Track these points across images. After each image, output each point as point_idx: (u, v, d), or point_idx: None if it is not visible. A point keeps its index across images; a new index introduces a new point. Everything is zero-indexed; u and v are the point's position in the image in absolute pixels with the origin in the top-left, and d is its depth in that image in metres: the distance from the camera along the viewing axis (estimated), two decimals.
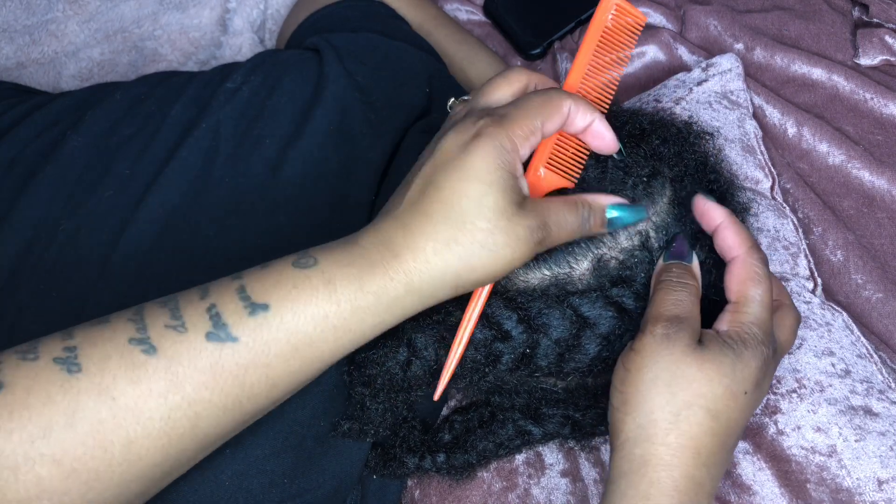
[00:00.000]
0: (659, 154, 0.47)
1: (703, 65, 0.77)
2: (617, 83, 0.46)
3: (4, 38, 0.88)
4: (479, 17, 0.95)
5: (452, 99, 0.47)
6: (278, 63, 0.65)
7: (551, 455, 0.58)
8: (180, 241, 0.53)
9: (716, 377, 0.40)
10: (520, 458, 0.57)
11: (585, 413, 0.52)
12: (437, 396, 0.46)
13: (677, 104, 0.73)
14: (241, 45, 0.89)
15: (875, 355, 0.58)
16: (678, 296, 0.43)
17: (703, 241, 0.46)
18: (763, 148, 0.73)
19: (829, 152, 0.74)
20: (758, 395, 0.43)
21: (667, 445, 0.40)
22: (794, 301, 0.60)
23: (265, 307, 0.36)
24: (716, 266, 0.47)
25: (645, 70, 0.84)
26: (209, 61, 0.90)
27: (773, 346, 0.44)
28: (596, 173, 0.46)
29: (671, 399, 0.40)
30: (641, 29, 0.46)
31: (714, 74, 0.75)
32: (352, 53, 0.65)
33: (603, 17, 0.46)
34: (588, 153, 0.45)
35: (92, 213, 0.55)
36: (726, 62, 0.76)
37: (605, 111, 0.46)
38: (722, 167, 0.52)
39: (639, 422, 0.41)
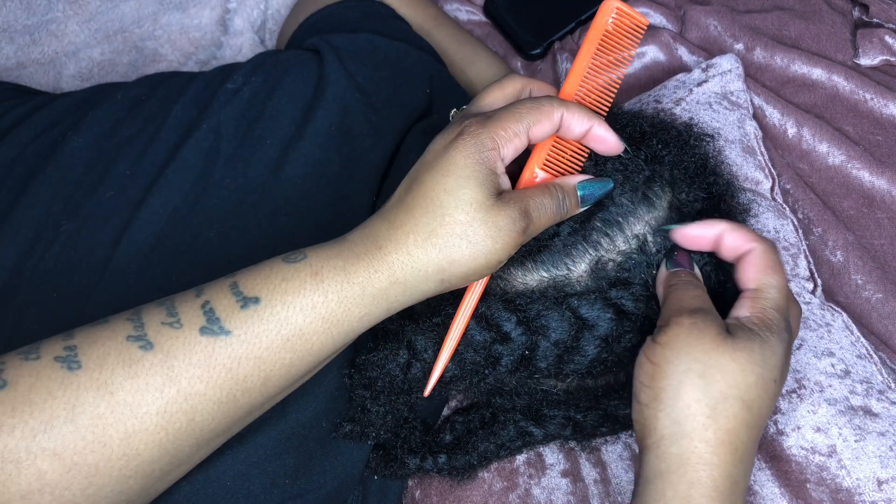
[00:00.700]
0: (659, 157, 0.47)
1: (703, 65, 0.77)
2: (619, 84, 0.46)
3: (4, 38, 0.88)
4: (479, 17, 0.94)
5: (454, 109, 0.48)
6: (279, 64, 0.65)
7: (552, 455, 0.58)
8: (181, 242, 0.53)
9: (748, 366, 0.39)
10: (520, 458, 0.57)
11: (586, 414, 0.52)
12: (426, 392, 0.46)
13: (677, 105, 0.73)
14: (241, 46, 0.89)
15: (875, 356, 0.58)
16: (695, 292, 0.43)
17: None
18: (763, 149, 0.73)
19: (829, 152, 0.74)
20: (782, 384, 0.42)
21: (706, 442, 0.39)
22: None
23: (256, 300, 0.37)
24: (714, 271, 0.47)
25: (645, 71, 0.84)
26: (209, 61, 0.90)
27: (791, 333, 0.43)
28: (595, 174, 0.46)
29: (707, 391, 0.39)
30: (643, 31, 0.46)
31: (714, 75, 0.75)
32: (352, 54, 0.65)
33: (603, 21, 0.46)
34: (587, 155, 0.46)
35: (93, 214, 0.55)
36: (726, 63, 0.76)
37: (606, 113, 0.46)
38: (722, 169, 0.52)
39: (674, 417, 0.39)
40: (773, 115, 0.77)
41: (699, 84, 0.75)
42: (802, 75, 0.79)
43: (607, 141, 0.44)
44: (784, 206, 0.70)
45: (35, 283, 0.52)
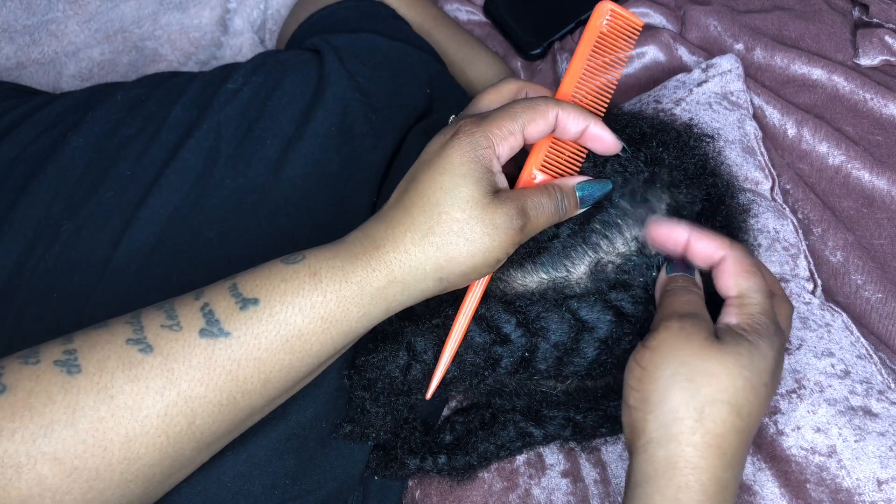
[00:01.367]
0: (658, 158, 0.47)
1: (703, 65, 0.77)
2: (615, 85, 0.47)
3: (4, 38, 0.88)
4: (479, 17, 0.94)
5: (453, 116, 0.48)
6: (279, 64, 0.65)
7: (552, 455, 0.58)
8: (181, 242, 0.53)
9: (736, 370, 0.40)
10: (520, 458, 0.58)
11: (586, 415, 0.52)
12: (428, 395, 0.46)
13: (677, 105, 0.73)
14: (241, 46, 0.89)
15: (874, 356, 0.58)
16: (688, 297, 0.43)
17: None
18: (763, 149, 0.73)
19: (829, 153, 0.74)
20: (774, 388, 0.42)
21: (693, 445, 0.39)
22: (794, 302, 0.60)
23: (255, 301, 0.37)
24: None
25: (645, 71, 0.84)
26: (209, 61, 0.90)
27: (783, 335, 0.43)
28: (594, 175, 0.46)
29: (694, 395, 0.39)
30: (639, 33, 0.46)
31: (714, 75, 0.75)
32: (352, 54, 0.65)
33: (597, 23, 0.46)
34: (585, 156, 0.46)
35: (93, 214, 0.55)
36: (726, 63, 0.76)
37: (602, 114, 0.46)
38: (722, 170, 0.52)
39: (662, 421, 0.40)
40: (773, 115, 0.77)
41: (699, 84, 0.75)
42: (802, 75, 0.79)
43: (604, 140, 0.44)
44: (784, 206, 0.70)
45: (35, 283, 0.52)
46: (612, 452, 0.58)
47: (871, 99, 0.76)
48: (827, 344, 0.58)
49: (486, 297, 0.47)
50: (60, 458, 0.33)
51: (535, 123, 0.42)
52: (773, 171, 0.72)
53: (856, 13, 0.84)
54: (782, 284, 0.62)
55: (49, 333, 0.50)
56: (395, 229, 0.39)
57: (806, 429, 0.54)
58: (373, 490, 0.54)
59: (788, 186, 0.73)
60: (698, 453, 0.39)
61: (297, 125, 0.59)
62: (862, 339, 0.59)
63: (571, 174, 0.45)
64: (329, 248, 0.40)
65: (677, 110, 0.73)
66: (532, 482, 0.57)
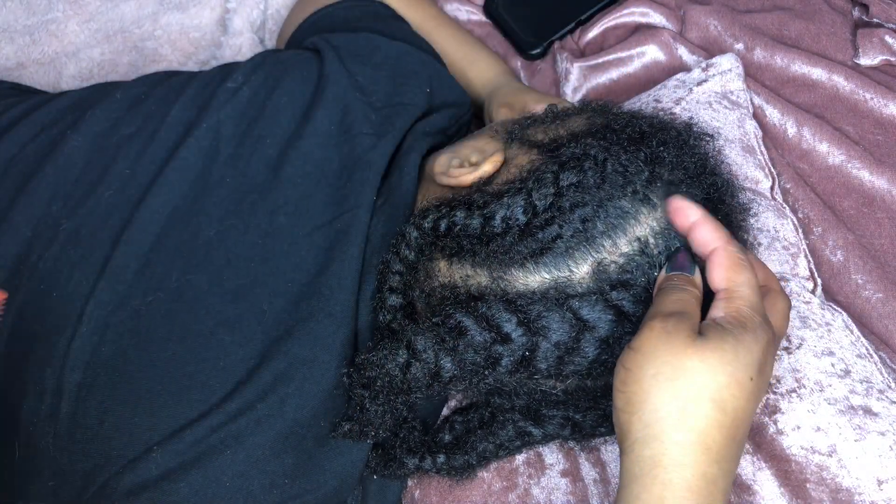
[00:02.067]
0: (658, 158, 0.47)
1: (703, 65, 0.77)
2: None
3: (5, 38, 0.88)
4: (479, 17, 0.94)
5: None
6: (279, 63, 0.65)
7: (551, 455, 0.58)
8: (180, 242, 0.53)
9: (718, 365, 0.40)
10: (520, 458, 0.57)
11: (586, 414, 0.52)
12: None
13: (677, 104, 0.73)
14: (241, 46, 0.89)
15: (875, 355, 0.58)
16: (678, 296, 0.43)
17: None
18: (763, 148, 0.73)
19: (829, 152, 0.74)
20: (762, 382, 0.42)
21: (677, 443, 0.39)
22: (794, 301, 0.60)
23: None
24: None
25: (645, 70, 0.84)
26: (209, 61, 0.90)
27: (771, 329, 0.43)
28: (595, 179, 0.46)
29: (676, 394, 0.40)
30: None
31: (714, 74, 0.75)
32: (352, 53, 0.65)
33: None
34: None
35: (92, 213, 0.55)
36: (726, 62, 0.76)
37: None
38: (721, 169, 0.52)
39: (645, 421, 0.40)
40: (773, 114, 0.77)
41: (699, 83, 0.75)
42: (802, 75, 0.79)
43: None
44: (784, 205, 0.70)
45: (34, 282, 0.52)
46: (612, 452, 0.57)
47: (871, 99, 0.76)
48: (827, 343, 0.57)
49: (486, 295, 0.47)
50: None
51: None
52: (773, 170, 0.72)
53: (856, 13, 0.84)
54: (782, 284, 0.62)
55: (49, 333, 0.50)
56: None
57: (806, 428, 0.53)
58: (372, 489, 0.54)
59: (788, 185, 0.73)
60: (681, 450, 0.39)
61: (296, 124, 0.59)
62: (862, 339, 0.59)
63: None
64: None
65: (677, 109, 0.73)
66: (531, 482, 0.57)
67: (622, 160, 0.47)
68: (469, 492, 0.56)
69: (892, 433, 0.52)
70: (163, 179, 0.55)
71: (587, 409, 0.51)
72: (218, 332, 0.49)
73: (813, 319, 0.59)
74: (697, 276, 0.45)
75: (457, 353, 0.46)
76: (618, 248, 0.45)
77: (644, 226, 0.46)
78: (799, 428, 0.54)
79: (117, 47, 0.89)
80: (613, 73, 0.84)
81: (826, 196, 0.73)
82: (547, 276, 0.46)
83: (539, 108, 0.66)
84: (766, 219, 0.67)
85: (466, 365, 0.46)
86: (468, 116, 0.72)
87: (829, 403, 0.54)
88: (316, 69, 0.63)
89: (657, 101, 0.75)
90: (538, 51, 0.89)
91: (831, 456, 0.52)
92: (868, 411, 0.53)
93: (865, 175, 0.72)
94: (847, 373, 0.56)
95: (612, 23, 0.88)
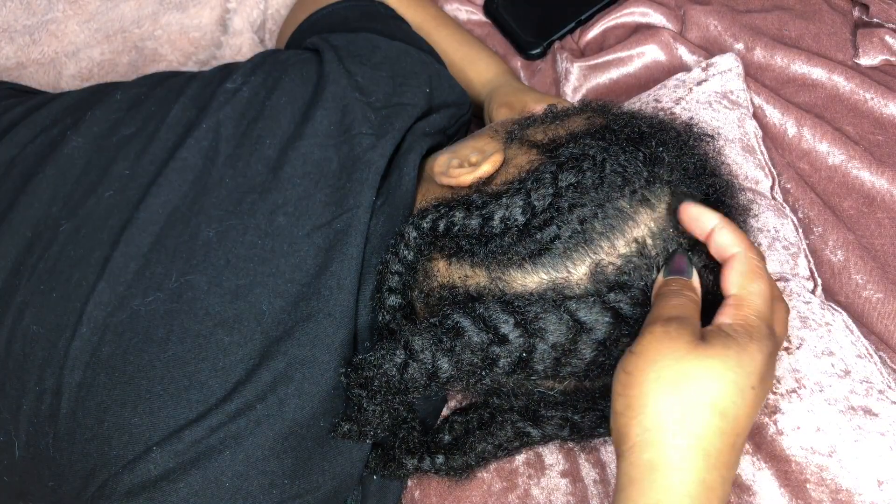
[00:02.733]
0: (658, 158, 0.47)
1: (703, 65, 0.77)
2: None
3: (4, 38, 0.88)
4: (479, 17, 0.94)
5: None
6: (278, 63, 0.65)
7: (551, 455, 0.58)
8: (180, 242, 0.53)
9: (721, 372, 0.39)
10: (520, 458, 0.57)
11: (584, 415, 0.52)
12: None
13: (677, 104, 0.73)
14: (241, 46, 0.89)
15: (875, 355, 0.58)
16: (678, 301, 0.43)
17: (700, 246, 0.46)
18: (763, 148, 0.73)
19: (829, 152, 0.74)
20: (763, 392, 0.42)
21: (676, 448, 0.39)
22: (794, 301, 0.60)
23: None
24: (713, 272, 0.47)
25: (645, 70, 0.84)
26: (209, 61, 0.90)
27: (775, 340, 0.43)
28: (594, 180, 0.46)
29: (677, 398, 0.39)
30: None
31: (714, 74, 0.75)
32: (352, 53, 0.65)
33: None
34: None
35: (92, 214, 0.55)
36: (726, 62, 0.76)
37: None
38: (721, 170, 0.51)
39: (645, 425, 0.40)
40: (774, 114, 0.77)
41: (699, 83, 0.75)
42: (802, 75, 0.79)
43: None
44: (784, 205, 0.70)
45: (34, 282, 0.52)
46: (612, 453, 0.57)
47: (872, 99, 0.76)
48: (827, 343, 0.57)
49: (484, 296, 0.47)
50: None
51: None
52: (773, 169, 0.72)
53: (856, 13, 0.84)
54: (782, 283, 0.62)
55: (48, 333, 0.50)
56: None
57: (806, 428, 0.53)
58: (372, 490, 0.54)
59: (789, 185, 0.73)
60: (680, 455, 0.39)
61: (296, 124, 0.59)
62: (862, 339, 0.59)
63: None
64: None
65: (677, 109, 0.73)
66: (531, 482, 0.56)
67: (621, 161, 0.47)
68: (469, 492, 0.56)
69: (892, 433, 0.52)
70: (162, 180, 0.55)
71: (585, 410, 0.51)
72: (217, 332, 0.49)
73: (813, 319, 0.59)
74: (695, 280, 0.45)
75: (454, 353, 0.46)
76: (616, 250, 0.45)
77: (642, 227, 0.46)
78: (799, 428, 0.54)
79: (117, 47, 0.89)
80: (613, 73, 0.84)
81: (826, 196, 0.73)
82: (545, 276, 0.46)
83: (539, 107, 0.66)
84: (766, 219, 0.67)
85: (463, 365, 0.46)
86: (468, 116, 0.72)
87: (829, 404, 0.54)
88: (315, 69, 0.63)
89: (657, 100, 0.74)
90: (538, 51, 0.89)
91: (831, 456, 0.52)
92: (868, 412, 0.53)
93: (866, 175, 0.72)
94: (847, 373, 0.56)
95: (612, 23, 0.88)
